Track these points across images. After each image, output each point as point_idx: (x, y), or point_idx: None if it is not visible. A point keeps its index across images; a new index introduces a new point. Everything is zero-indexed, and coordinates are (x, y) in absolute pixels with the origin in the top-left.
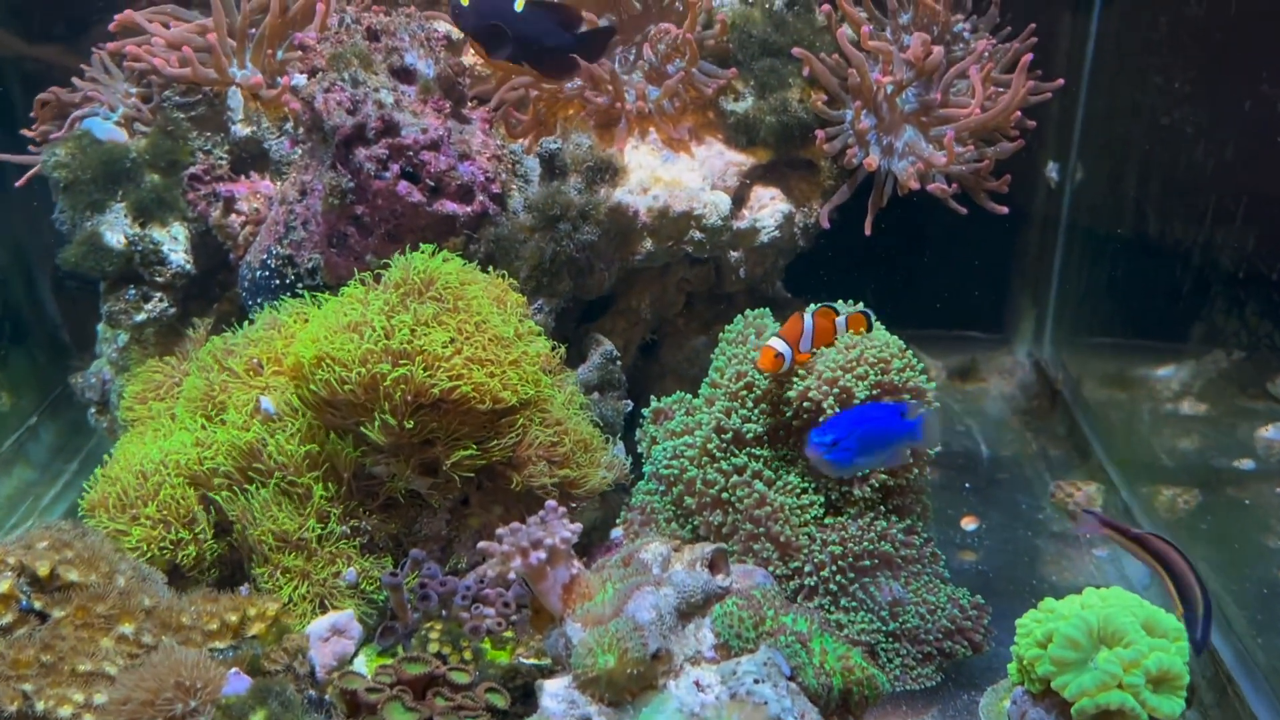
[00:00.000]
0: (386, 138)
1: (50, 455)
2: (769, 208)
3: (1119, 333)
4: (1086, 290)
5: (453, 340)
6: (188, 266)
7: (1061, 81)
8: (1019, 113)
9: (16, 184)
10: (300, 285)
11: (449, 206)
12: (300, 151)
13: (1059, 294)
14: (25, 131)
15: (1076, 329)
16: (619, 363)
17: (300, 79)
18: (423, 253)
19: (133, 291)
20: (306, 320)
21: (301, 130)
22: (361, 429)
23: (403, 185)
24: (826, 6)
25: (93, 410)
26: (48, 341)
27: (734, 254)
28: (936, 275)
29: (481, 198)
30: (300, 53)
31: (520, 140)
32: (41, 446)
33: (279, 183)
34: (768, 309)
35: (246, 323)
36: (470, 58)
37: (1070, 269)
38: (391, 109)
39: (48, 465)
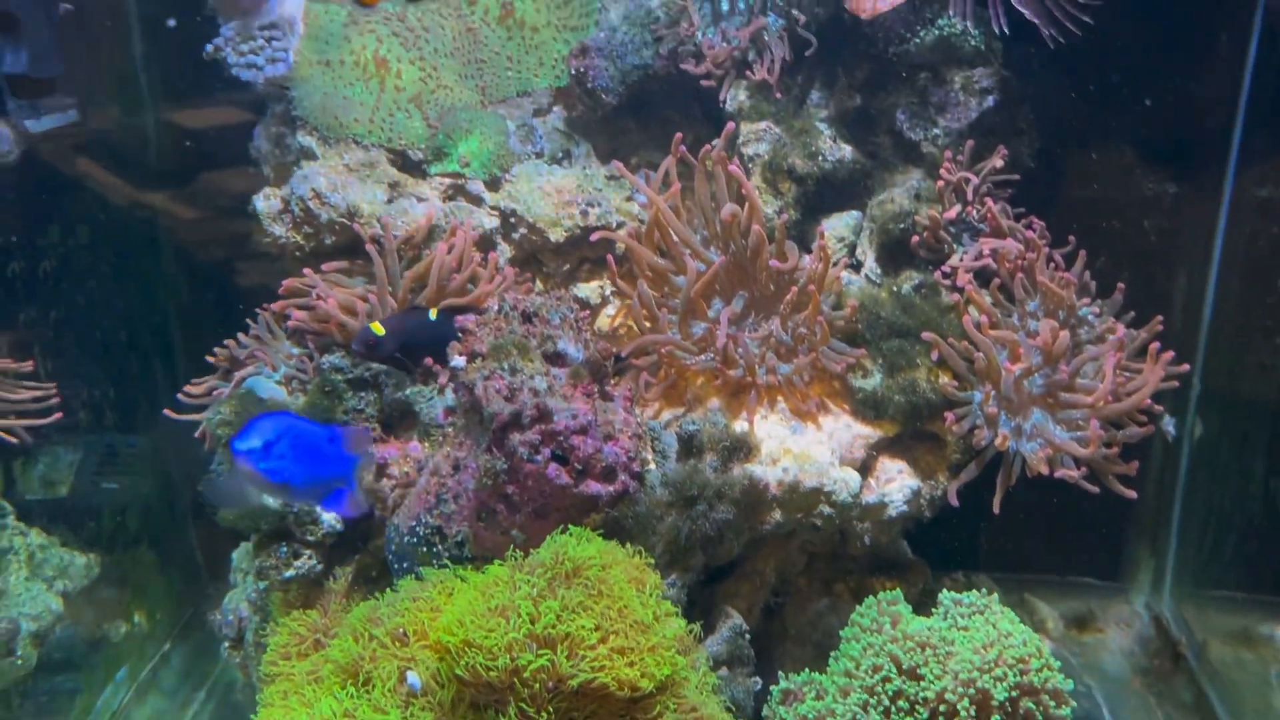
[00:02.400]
0: (540, 424)
1: (179, 680)
2: (897, 482)
3: (1244, 588)
4: (1210, 546)
5: (598, 627)
6: (338, 526)
7: (1187, 367)
8: None
9: (196, 433)
10: (447, 555)
11: (594, 488)
12: (452, 424)
13: (1179, 546)
14: (187, 389)
15: (1199, 582)
16: (747, 637)
17: (459, 360)
18: (570, 535)
19: (284, 549)
20: (452, 593)
21: (457, 405)
22: (500, 716)
23: (552, 468)
24: (955, 296)
25: (226, 644)
26: (183, 564)
27: (860, 524)
28: (1050, 519)
29: (623, 477)
30: (460, 334)
31: (652, 405)
32: (172, 671)
33: (425, 444)
34: (899, 592)
35: (390, 589)
36: (605, 321)
37: (1190, 522)
38: (545, 395)
39: (176, 692)
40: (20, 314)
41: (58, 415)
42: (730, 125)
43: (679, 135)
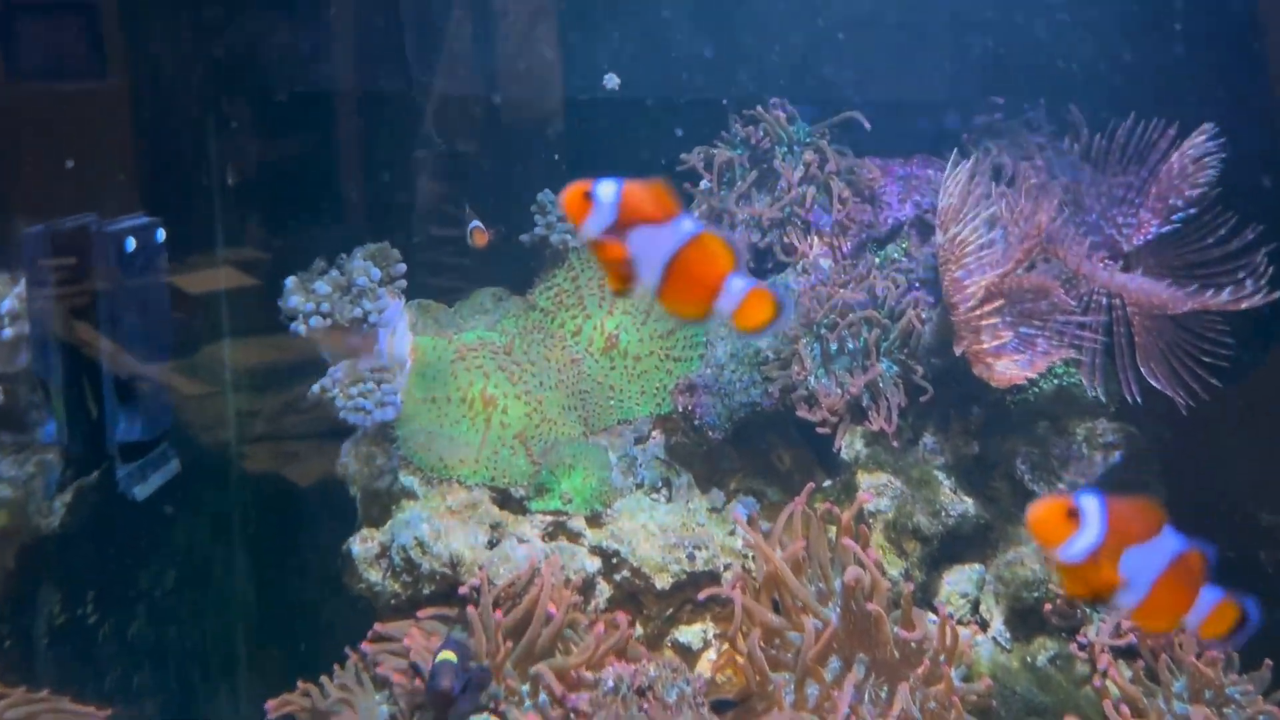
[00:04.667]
0: None
1: None
2: None
3: None
4: None
5: None
6: None
7: None
8: None
9: None
10: None
11: None
12: None
13: None
14: None
15: None
16: None
17: None
18: None
19: None
20: None
21: None
22: None
23: None
24: (1097, 679)
25: None
26: None
27: None
28: None
29: None
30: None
31: None
32: None
33: None
34: None
35: None
36: (706, 665)
37: None
38: None
39: None
40: (108, 675)
41: None
42: (865, 497)
43: (810, 485)
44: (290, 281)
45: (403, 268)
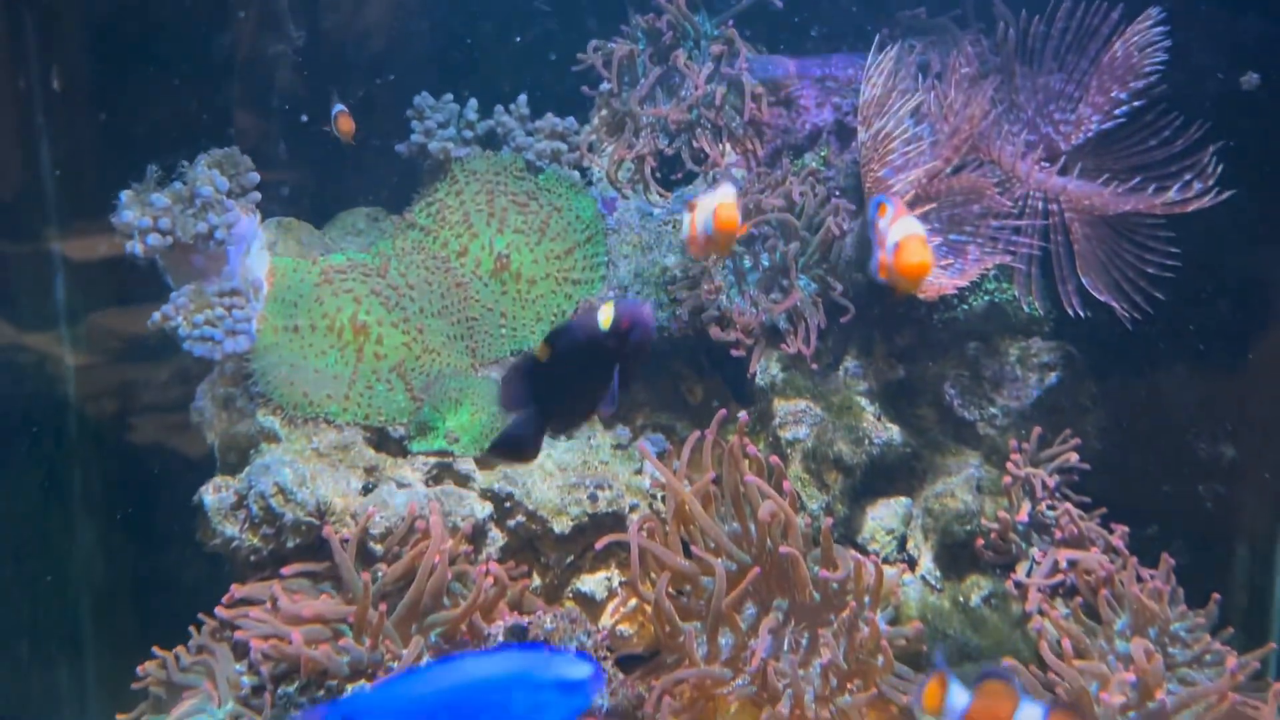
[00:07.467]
0: None
1: None
2: None
3: None
4: None
5: None
6: None
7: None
8: None
9: None
10: None
11: None
12: None
13: None
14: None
15: None
16: None
17: None
18: None
19: None
20: None
21: None
22: None
23: None
24: (1035, 620)
25: None
26: None
27: None
28: None
29: None
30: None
31: None
32: None
33: None
34: None
35: None
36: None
37: None
38: None
39: None
40: None
41: None
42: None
43: (722, 412)
44: (125, 195)
45: (255, 177)
